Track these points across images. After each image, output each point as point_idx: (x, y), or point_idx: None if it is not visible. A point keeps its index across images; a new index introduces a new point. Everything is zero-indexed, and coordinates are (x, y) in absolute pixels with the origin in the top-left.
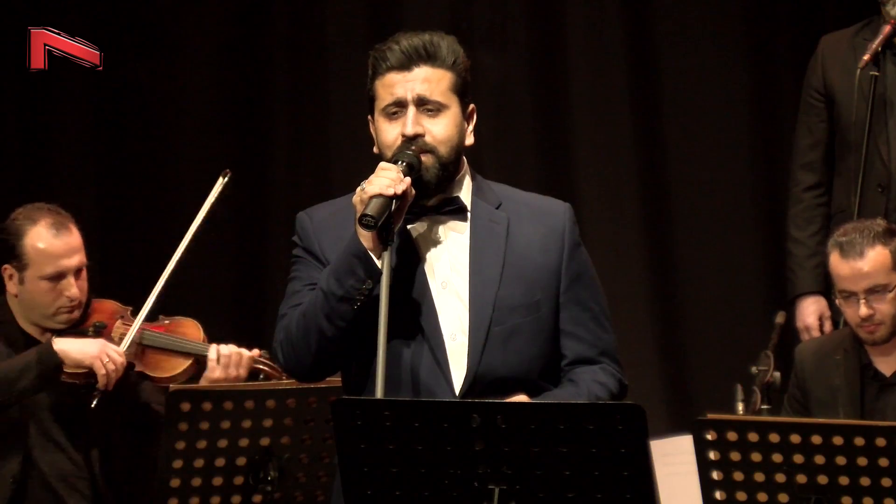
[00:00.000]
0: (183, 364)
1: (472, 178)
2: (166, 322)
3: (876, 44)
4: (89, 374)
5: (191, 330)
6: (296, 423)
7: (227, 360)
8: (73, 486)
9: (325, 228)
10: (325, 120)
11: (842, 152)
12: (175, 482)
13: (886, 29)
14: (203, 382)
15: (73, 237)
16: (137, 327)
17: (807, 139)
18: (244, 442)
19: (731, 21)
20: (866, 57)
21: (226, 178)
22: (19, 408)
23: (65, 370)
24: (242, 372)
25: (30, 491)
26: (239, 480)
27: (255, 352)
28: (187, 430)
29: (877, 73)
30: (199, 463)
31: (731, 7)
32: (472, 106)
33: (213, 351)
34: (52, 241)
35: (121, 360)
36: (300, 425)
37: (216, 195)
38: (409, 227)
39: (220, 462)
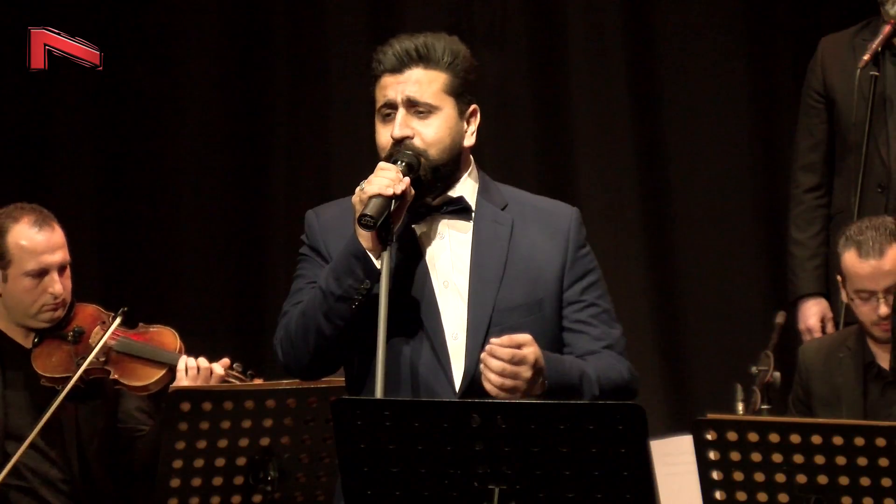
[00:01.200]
0: (157, 373)
1: (479, 178)
2: (144, 330)
3: (876, 44)
4: None
5: (167, 339)
6: (296, 423)
7: (194, 372)
8: (58, 490)
9: (332, 227)
10: (325, 120)
11: (842, 153)
12: (175, 482)
13: (886, 29)
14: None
15: (56, 234)
16: (107, 336)
17: (807, 140)
18: (244, 442)
19: (731, 21)
20: (866, 57)
21: (122, 316)
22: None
23: None
24: (211, 385)
25: (14, 496)
26: (239, 480)
27: (225, 361)
28: (187, 430)
29: (876, 74)
30: (199, 463)
31: (731, 7)
32: (473, 106)
33: (181, 362)
34: (34, 237)
35: None
36: (300, 425)
37: (111, 332)
38: (413, 226)
39: (220, 462)
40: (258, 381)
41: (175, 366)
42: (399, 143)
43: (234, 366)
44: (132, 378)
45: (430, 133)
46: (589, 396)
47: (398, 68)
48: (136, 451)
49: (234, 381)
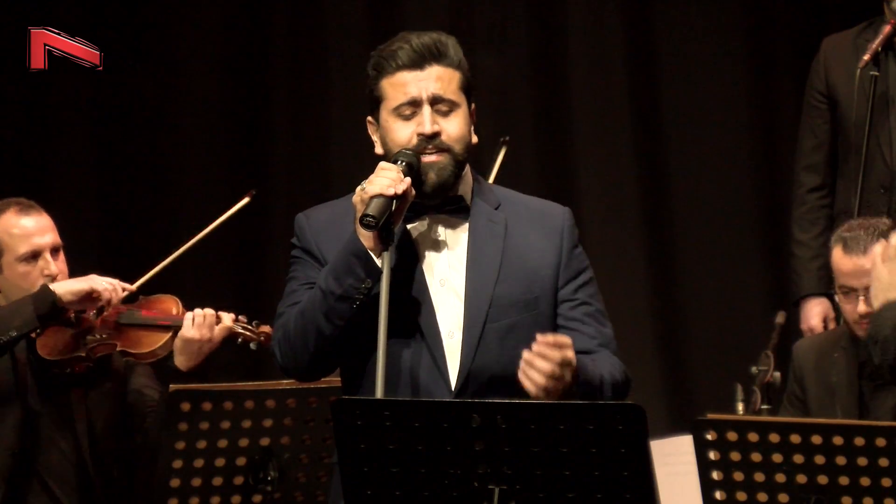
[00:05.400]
0: (162, 337)
1: (474, 178)
2: (144, 301)
3: (876, 43)
4: (87, 300)
5: (169, 305)
6: (296, 423)
7: (200, 320)
8: (64, 480)
9: (324, 230)
10: (325, 120)
11: (845, 153)
12: (175, 482)
13: (886, 28)
14: (177, 342)
15: (44, 217)
16: (122, 296)
17: (810, 141)
18: (244, 442)
19: (731, 22)
20: (866, 57)
21: (250, 199)
22: (10, 390)
23: (63, 303)
24: (217, 335)
25: (21, 485)
26: (239, 480)
27: (231, 315)
28: (187, 430)
29: (877, 73)
30: (199, 463)
31: (732, 8)
32: (473, 105)
33: (188, 314)
34: (22, 222)
35: (114, 280)
36: (300, 425)
37: (233, 211)
38: (408, 225)
39: (220, 462)
40: (265, 328)
41: (180, 328)
42: (429, 139)
43: (240, 318)
44: (139, 346)
45: (455, 129)
46: (604, 398)
47: (418, 64)
48: (147, 427)
49: (241, 331)
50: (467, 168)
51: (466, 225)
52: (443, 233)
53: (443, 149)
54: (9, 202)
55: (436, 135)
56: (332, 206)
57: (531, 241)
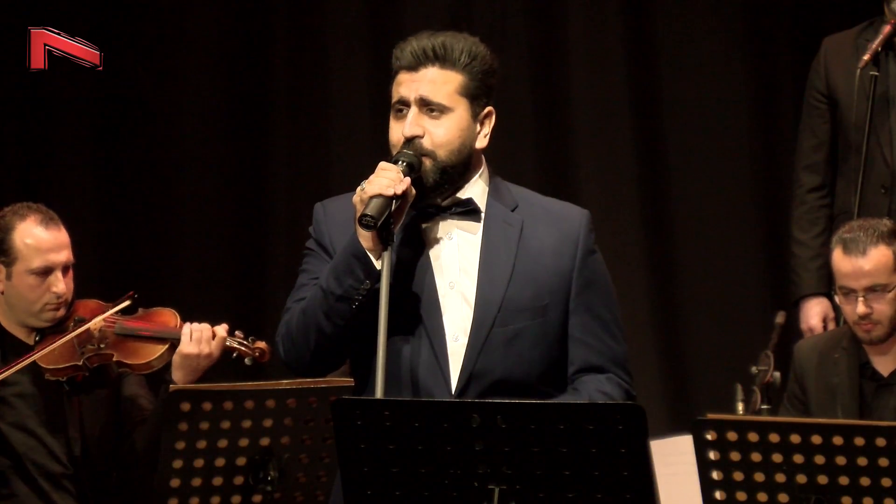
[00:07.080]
0: (159, 349)
1: (490, 180)
2: (143, 313)
3: (876, 43)
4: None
5: (167, 318)
6: (296, 423)
7: (198, 335)
8: (60, 486)
9: (339, 222)
10: (325, 120)
11: (845, 153)
12: (175, 482)
13: (886, 29)
14: (176, 358)
15: (62, 234)
16: (107, 314)
17: (810, 141)
18: (244, 442)
19: (731, 21)
20: (866, 57)
21: (129, 300)
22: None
23: None
24: (215, 350)
25: (15, 490)
26: (239, 480)
27: (224, 326)
28: (187, 430)
29: (877, 73)
30: (199, 463)
31: (732, 7)
32: (488, 108)
33: (186, 328)
34: (40, 235)
35: None
36: (300, 425)
37: (111, 312)
38: (422, 226)
39: (220, 462)
40: (260, 344)
41: (176, 340)
42: (409, 141)
43: (236, 333)
44: (135, 357)
45: (441, 134)
46: None
47: (414, 66)
48: (135, 437)
49: (237, 346)
50: (481, 170)
51: (480, 227)
52: (456, 235)
53: (424, 153)
54: (29, 208)
55: (415, 137)
56: (349, 198)
57: (546, 245)
